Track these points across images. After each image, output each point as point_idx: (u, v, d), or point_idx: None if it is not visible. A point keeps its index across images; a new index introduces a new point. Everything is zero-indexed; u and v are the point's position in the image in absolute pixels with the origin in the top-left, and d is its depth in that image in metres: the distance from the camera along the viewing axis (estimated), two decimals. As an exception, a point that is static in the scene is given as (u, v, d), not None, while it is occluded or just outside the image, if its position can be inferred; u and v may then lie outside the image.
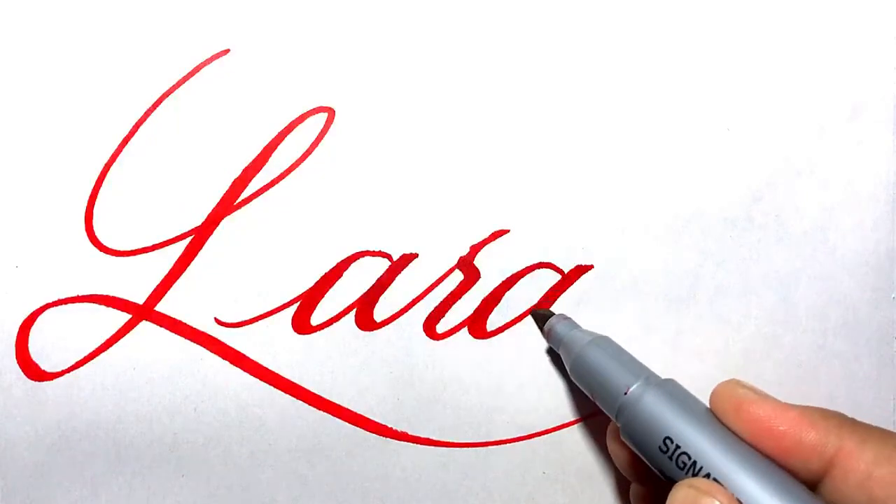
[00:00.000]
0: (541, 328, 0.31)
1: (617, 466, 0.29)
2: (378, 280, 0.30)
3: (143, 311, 0.30)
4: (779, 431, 0.23)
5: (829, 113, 0.31)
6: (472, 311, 0.31)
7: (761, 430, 0.23)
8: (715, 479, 0.22)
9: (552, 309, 0.31)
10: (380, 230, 0.30)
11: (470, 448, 0.31)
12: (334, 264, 0.30)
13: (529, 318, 0.31)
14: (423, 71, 0.30)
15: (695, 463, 0.23)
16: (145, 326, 0.30)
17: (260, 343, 0.30)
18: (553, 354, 0.31)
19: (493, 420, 0.31)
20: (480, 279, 0.31)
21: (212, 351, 0.30)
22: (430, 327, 0.31)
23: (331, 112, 0.30)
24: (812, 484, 0.23)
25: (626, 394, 0.26)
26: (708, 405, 0.25)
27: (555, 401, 0.31)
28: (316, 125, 0.30)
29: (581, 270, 0.31)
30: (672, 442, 0.24)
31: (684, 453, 0.23)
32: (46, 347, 0.30)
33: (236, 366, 0.30)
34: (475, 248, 0.31)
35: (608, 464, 0.31)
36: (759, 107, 0.31)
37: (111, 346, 0.30)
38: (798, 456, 0.23)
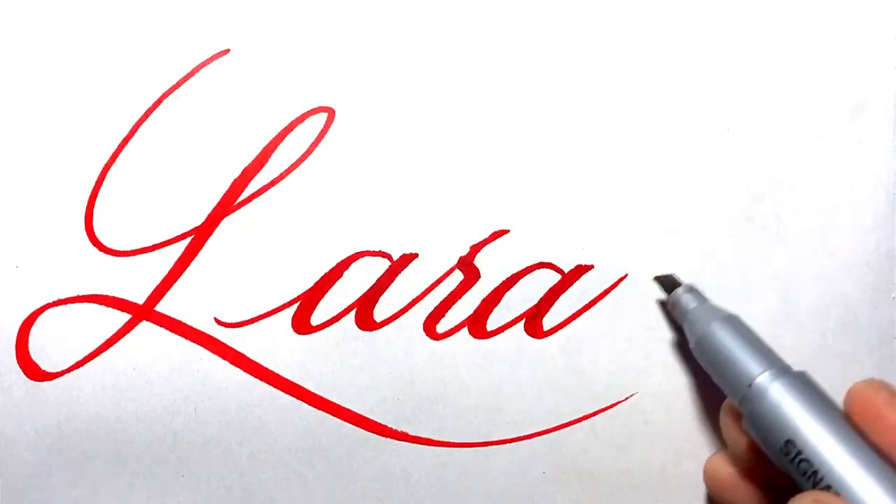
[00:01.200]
0: (664, 296, 0.30)
1: (728, 445, 0.28)
2: (378, 280, 0.30)
3: (143, 311, 0.30)
4: None
5: (829, 113, 0.31)
6: (472, 311, 0.31)
7: None
8: (837, 493, 0.21)
9: (676, 276, 0.30)
10: (380, 230, 0.30)
11: (470, 448, 0.31)
12: (334, 264, 0.30)
13: (530, 318, 0.31)
14: (423, 71, 0.30)
15: (816, 472, 0.22)
16: (145, 326, 0.30)
17: (260, 343, 0.30)
18: (672, 322, 0.30)
19: (493, 420, 0.31)
20: (480, 279, 0.31)
21: (212, 351, 0.30)
22: (430, 327, 0.31)
23: (331, 112, 0.30)
24: None
25: (749, 386, 0.24)
26: (841, 405, 0.23)
27: (555, 401, 0.31)
28: (316, 125, 0.30)
29: (581, 270, 0.31)
30: (794, 445, 0.22)
31: (805, 459, 0.22)
32: (46, 347, 0.30)
33: (236, 366, 0.30)
34: (475, 248, 0.31)
35: (608, 464, 0.31)
36: (759, 107, 0.31)
37: (111, 346, 0.30)
38: None
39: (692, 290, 0.29)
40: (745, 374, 0.25)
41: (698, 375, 0.31)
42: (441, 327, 0.31)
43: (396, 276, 0.31)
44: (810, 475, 0.22)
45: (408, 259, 0.31)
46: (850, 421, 0.23)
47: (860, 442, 0.22)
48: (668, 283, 0.30)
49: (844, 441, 0.22)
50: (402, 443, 0.31)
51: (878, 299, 0.32)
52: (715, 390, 0.32)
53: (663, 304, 0.30)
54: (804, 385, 0.24)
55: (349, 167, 0.30)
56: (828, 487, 0.21)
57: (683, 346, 0.31)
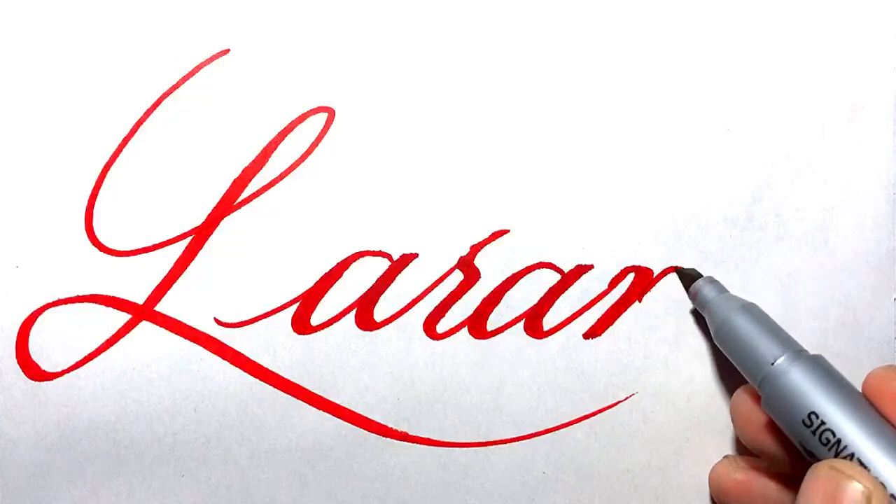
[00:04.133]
0: (686, 288, 0.31)
1: (739, 434, 0.29)
2: (378, 280, 0.30)
3: (143, 311, 0.30)
4: None
5: (829, 113, 0.31)
6: (472, 311, 0.31)
7: None
8: (860, 461, 0.22)
9: (691, 269, 0.31)
10: (380, 230, 0.30)
11: (470, 448, 0.31)
12: (334, 264, 0.30)
13: (530, 318, 0.31)
14: (423, 71, 0.30)
15: (839, 441, 0.23)
16: (145, 326, 0.30)
17: (260, 343, 0.30)
18: (697, 315, 0.31)
19: (493, 420, 0.31)
20: (480, 279, 0.31)
21: (212, 351, 0.30)
22: (430, 327, 0.31)
23: (331, 112, 0.30)
24: None
25: (772, 364, 0.25)
26: (859, 388, 0.25)
27: (555, 401, 0.31)
28: (316, 125, 0.30)
29: (581, 270, 0.31)
30: (817, 417, 0.23)
31: (829, 430, 0.23)
32: (46, 347, 0.30)
33: (236, 366, 0.30)
34: (475, 248, 0.31)
35: (608, 464, 0.31)
36: (759, 107, 0.31)
37: (111, 346, 0.30)
38: None
39: (713, 281, 0.30)
40: (767, 355, 0.26)
41: (698, 376, 0.31)
42: (441, 327, 0.31)
43: (396, 276, 0.31)
44: (833, 445, 0.23)
45: (408, 259, 0.31)
46: (867, 400, 0.24)
47: (879, 417, 0.23)
48: (689, 274, 0.31)
49: (865, 415, 0.23)
50: (402, 443, 0.31)
51: (878, 299, 0.32)
52: (715, 391, 0.32)
53: (688, 293, 0.31)
54: (823, 365, 0.25)
55: (349, 167, 0.30)
56: (850, 456, 0.22)
57: (683, 347, 0.31)
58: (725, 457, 0.31)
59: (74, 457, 0.30)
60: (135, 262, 0.30)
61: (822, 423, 0.23)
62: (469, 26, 0.30)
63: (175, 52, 0.30)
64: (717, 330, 0.28)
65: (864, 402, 0.24)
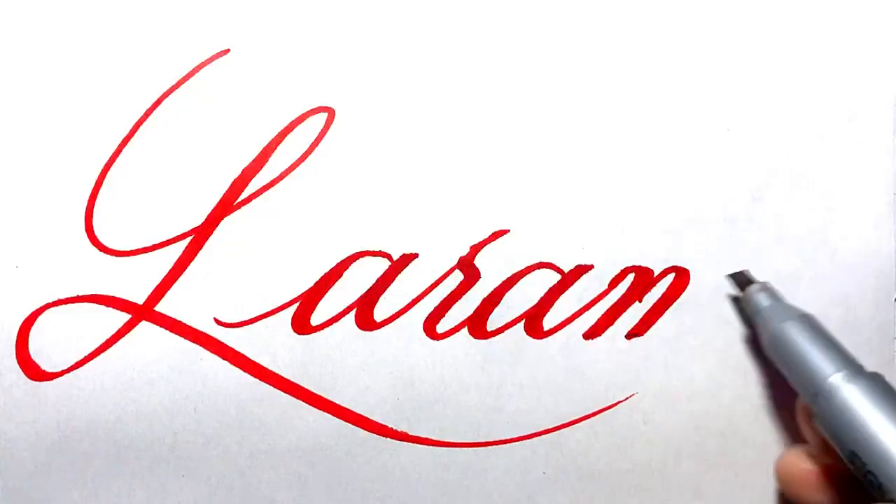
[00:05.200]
0: (740, 290, 0.29)
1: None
2: (378, 280, 0.30)
3: (143, 311, 0.30)
4: None
5: (829, 113, 0.31)
6: (472, 311, 0.31)
7: None
8: None
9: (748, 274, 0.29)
10: (380, 230, 0.30)
11: (470, 448, 0.31)
12: (334, 264, 0.30)
13: (530, 318, 0.31)
14: (423, 71, 0.30)
15: (881, 485, 0.22)
16: (145, 326, 0.30)
17: (260, 343, 0.30)
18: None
19: (493, 420, 0.31)
20: (480, 279, 0.31)
21: (212, 351, 0.30)
22: (430, 327, 0.31)
23: (331, 112, 0.30)
24: None
25: (821, 387, 0.24)
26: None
27: (555, 401, 0.31)
28: (316, 125, 0.30)
29: (581, 270, 0.31)
30: (859, 457, 0.22)
31: (871, 472, 0.22)
32: (46, 347, 0.30)
33: (236, 366, 0.30)
34: (475, 248, 0.31)
35: (608, 464, 0.31)
36: (759, 107, 0.31)
37: (111, 346, 0.30)
38: None
39: (766, 288, 0.29)
40: (817, 374, 0.25)
41: (698, 376, 0.31)
42: (441, 327, 0.31)
43: (396, 276, 0.31)
44: (877, 486, 0.22)
45: (408, 259, 0.31)
46: None
47: None
48: (741, 280, 0.30)
49: None
50: (402, 443, 0.31)
51: (879, 299, 0.32)
52: (715, 391, 0.32)
53: (736, 300, 0.30)
54: (875, 390, 0.24)
55: (349, 167, 0.30)
56: (891, 501, 0.22)
57: (683, 347, 0.31)
58: (794, 445, 0.29)
59: (74, 457, 0.30)
60: (135, 262, 0.30)
61: (864, 464, 0.22)
62: (469, 26, 0.31)
63: (175, 52, 0.30)
64: (768, 342, 0.27)
65: None
